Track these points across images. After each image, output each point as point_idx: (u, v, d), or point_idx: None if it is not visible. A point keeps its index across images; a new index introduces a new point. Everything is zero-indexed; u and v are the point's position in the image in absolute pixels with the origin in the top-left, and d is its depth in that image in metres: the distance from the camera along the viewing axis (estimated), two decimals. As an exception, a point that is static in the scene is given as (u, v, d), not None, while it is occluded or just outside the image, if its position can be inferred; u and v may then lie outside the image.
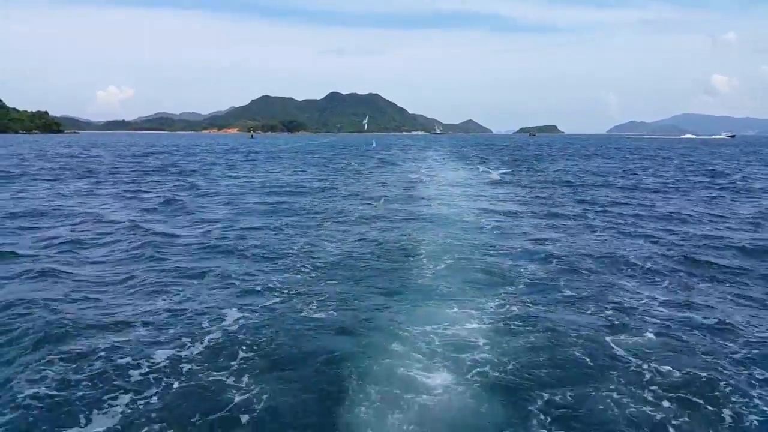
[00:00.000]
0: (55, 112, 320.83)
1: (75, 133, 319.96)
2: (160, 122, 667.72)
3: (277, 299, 10.57)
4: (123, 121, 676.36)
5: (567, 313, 9.92)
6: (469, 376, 7.29)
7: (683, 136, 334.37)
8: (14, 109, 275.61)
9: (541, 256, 14.03)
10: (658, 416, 6.45)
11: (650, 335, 8.91)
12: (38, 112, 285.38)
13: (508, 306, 10.28)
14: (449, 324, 9.25)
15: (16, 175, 38.08)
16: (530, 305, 10.35)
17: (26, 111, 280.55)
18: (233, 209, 22.26)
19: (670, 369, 7.63)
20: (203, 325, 9.11)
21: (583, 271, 12.69)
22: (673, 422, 6.33)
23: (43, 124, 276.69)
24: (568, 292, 11.13)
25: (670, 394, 6.94)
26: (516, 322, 9.39)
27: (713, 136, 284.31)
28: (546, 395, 6.84)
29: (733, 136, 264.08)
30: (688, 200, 26.33)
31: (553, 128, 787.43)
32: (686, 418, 6.42)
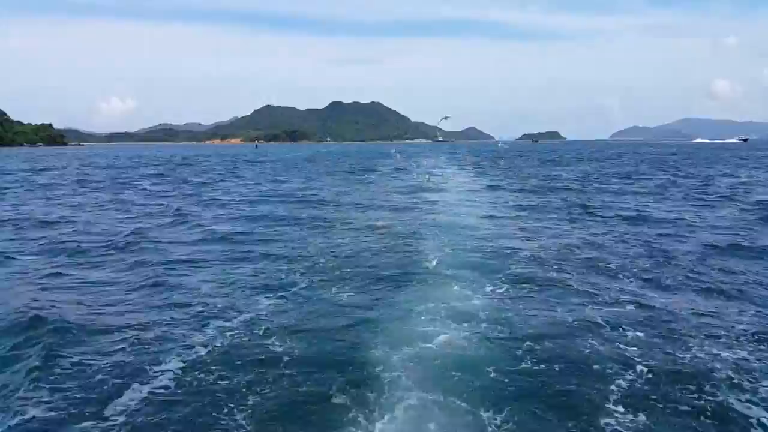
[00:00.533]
0: (57, 124, 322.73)
1: (80, 145, 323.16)
2: (164, 133, 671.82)
3: (301, 286, 11.78)
4: (126, 132, 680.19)
5: (554, 292, 11.32)
6: (468, 333, 8.70)
7: (695, 140, 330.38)
8: (18, 122, 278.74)
9: (532, 247, 15.49)
10: (627, 354, 7.92)
11: (626, 307, 10.29)
12: (42, 124, 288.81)
13: (502, 287, 11.68)
14: (452, 300, 10.64)
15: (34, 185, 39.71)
16: (522, 285, 11.75)
17: (30, 124, 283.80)
18: (248, 215, 23.39)
19: (637, 333, 8.98)
20: (240, 308, 10.38)
21: (571, 260, 14.13)
22: (638, 359, 7.77)
23: (48, 136, 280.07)
24: (554, 275, 12.54)
25: (635, 347, 8.35)
26: (508, 300, 10.77)
27: (726, 140, 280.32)
28: (531, 344, 8.26)
29: (745, 140, 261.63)
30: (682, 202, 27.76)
31: (555, 134, 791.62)
32: (647, 360, 7.83)
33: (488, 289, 11.46)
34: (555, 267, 13.27)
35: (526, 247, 15.54)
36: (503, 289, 11.40)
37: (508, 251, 14.92)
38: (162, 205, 26.79)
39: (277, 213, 23.39)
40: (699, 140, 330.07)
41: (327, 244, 16.41)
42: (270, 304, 10.49)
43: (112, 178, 47.68)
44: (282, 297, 10.98)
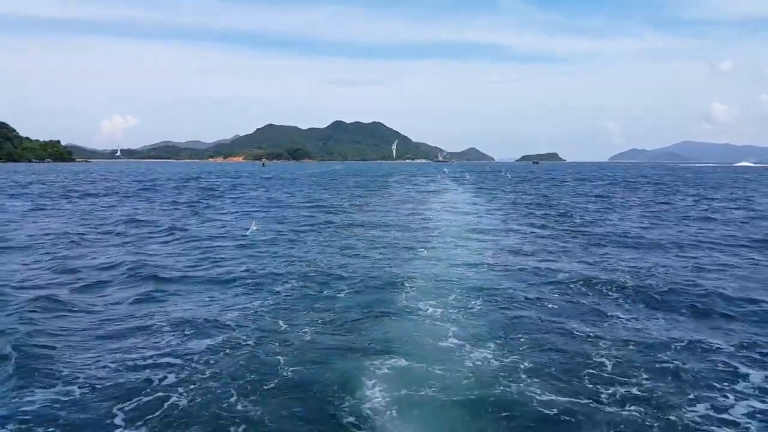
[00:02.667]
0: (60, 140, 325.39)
1: (87, 161, 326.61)
2: (166, 151, 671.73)
3: (320, 262, 16.31)
4: (129, 149, 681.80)
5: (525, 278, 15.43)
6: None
7: (739, 164, 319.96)
8: (27, 138, 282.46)
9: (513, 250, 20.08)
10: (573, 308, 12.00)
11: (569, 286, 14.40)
12: (50, 141, 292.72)
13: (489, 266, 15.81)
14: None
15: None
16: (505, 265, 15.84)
17: (38, 140, 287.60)
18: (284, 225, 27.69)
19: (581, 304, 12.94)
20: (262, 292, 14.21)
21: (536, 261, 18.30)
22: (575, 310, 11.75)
23: (55, 153, 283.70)
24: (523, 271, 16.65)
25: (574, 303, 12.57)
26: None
27: None
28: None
29: None
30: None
31: (554, 156, 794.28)
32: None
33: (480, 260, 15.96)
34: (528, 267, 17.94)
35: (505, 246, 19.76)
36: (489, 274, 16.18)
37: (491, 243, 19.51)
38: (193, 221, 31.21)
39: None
40: (744, 163, 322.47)
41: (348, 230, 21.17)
42: (285, 294, 13.94)
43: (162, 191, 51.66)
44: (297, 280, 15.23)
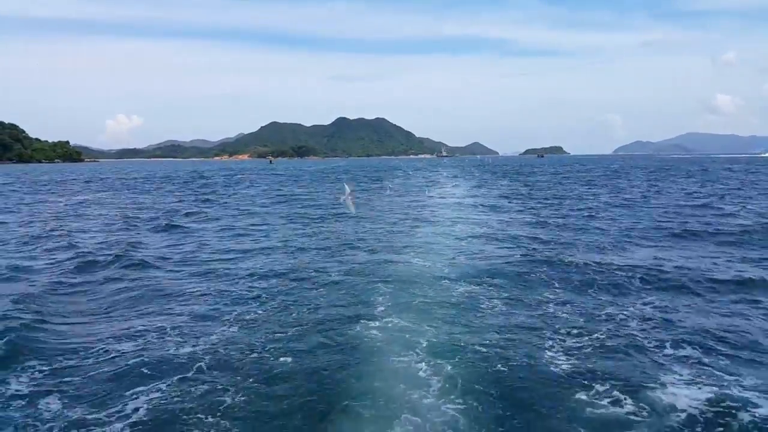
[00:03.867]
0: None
1: (96, 161, 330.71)
2: (171, 150, 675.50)
3: (326, 248, 19.74)
4: (135, 149, 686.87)
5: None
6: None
7: (763, 154, 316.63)
8: (37, 139, 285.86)
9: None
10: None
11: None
12: (60, 141, 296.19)
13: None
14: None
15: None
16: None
17: (47, 141, 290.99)
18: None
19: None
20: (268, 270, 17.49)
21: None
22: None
23: (65, 153, 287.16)
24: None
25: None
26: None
27: None
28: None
29: None
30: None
31: (558, 149, 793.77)
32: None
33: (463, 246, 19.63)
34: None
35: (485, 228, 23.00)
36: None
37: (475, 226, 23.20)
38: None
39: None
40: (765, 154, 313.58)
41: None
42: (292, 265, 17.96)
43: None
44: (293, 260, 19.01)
